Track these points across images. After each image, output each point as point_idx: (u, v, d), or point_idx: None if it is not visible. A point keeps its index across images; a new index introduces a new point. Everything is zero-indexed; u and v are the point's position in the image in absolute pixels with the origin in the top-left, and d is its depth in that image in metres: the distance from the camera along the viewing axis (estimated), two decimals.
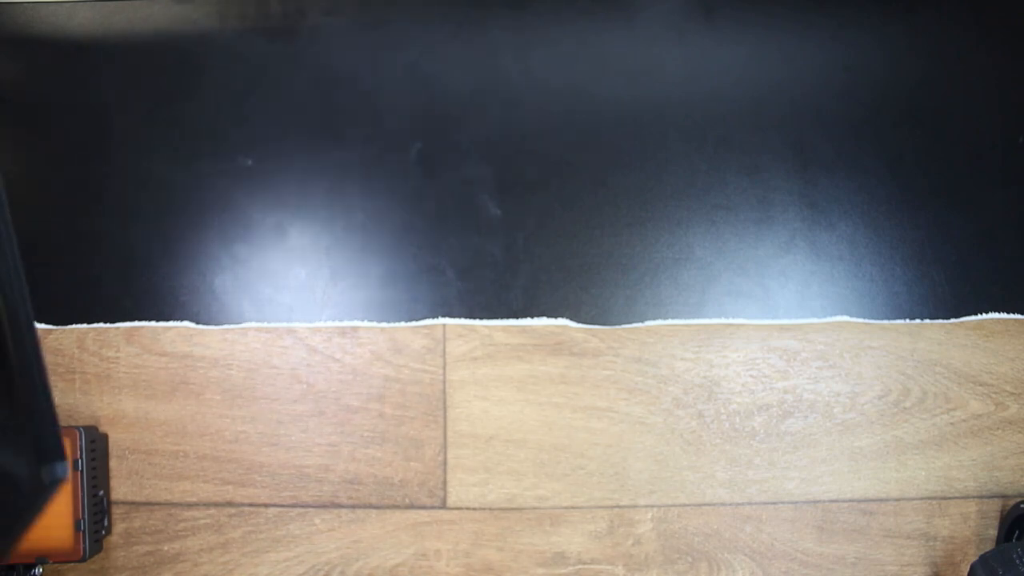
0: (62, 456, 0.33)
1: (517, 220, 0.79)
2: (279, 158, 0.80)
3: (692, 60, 0.80)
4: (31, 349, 0.35)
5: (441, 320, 0.78)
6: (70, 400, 0.79)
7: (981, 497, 0.79)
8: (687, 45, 0.80)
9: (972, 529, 0.79)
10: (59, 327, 0.79)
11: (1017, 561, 0.73)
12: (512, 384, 0.78)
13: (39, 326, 0.79)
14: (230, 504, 0.78)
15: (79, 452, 0.74)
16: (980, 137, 0.81)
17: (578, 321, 0.78)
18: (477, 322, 0.78)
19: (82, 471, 0.74)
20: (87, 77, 0.81)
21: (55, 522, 0.74)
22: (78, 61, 0.81)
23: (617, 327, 0.78)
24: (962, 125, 0.81)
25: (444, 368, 0.78)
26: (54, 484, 0.33)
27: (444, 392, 0.78)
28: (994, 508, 0.79)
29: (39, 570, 0.75)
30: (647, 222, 0.79)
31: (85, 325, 0.79)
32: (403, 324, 0.78)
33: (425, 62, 0.79)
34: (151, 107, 0.81)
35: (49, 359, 0.79)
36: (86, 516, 0.74)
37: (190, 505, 0.78)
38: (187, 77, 0.80)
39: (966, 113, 0.81)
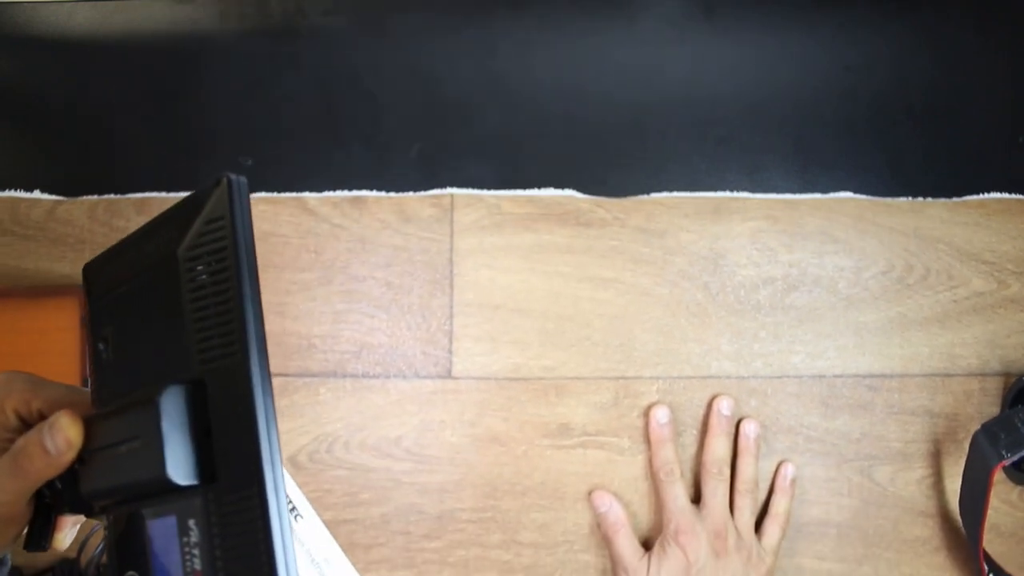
0: None
1: None
2: (279, 158, 0.80)
3: (692, 59, 0.81)
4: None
5: (449, 190, 0.79)
6: (79, 269, 0.79)
7: (984, 375, 0.80)
8: (687, 45, 0.81)
9: (975, 406, 0.79)
10: (70, 199, 0.80)
11: (1019, 424, 0.73)
12: (519, 253, 0.79)
13: (50, 197, 0.79)
14: None
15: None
16: (980, 137, 0.82)
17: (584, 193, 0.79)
18: (485, 192, 0.79)
19: None
20: (87, 77, 0.81)
21: None
22: (78, 61, 0.81)
23: (623, 199, 0.79)
24: (962, 125, 0.81)
25: (451, 237, 0.79)
26: None
27: (451, 261, 0.79)
28: (996, 385, 0.80)
29: None
30: None
31: (96, 196, 0.80)
32: (411, 194, 0.79)
33: (425, 62, 0.80)
34: (151, 107, 0.81)
35: (59, 230, 0.80)
36: None
37: None
38: (187, 77, 0.81)
39: (966, 113, 0.82)
